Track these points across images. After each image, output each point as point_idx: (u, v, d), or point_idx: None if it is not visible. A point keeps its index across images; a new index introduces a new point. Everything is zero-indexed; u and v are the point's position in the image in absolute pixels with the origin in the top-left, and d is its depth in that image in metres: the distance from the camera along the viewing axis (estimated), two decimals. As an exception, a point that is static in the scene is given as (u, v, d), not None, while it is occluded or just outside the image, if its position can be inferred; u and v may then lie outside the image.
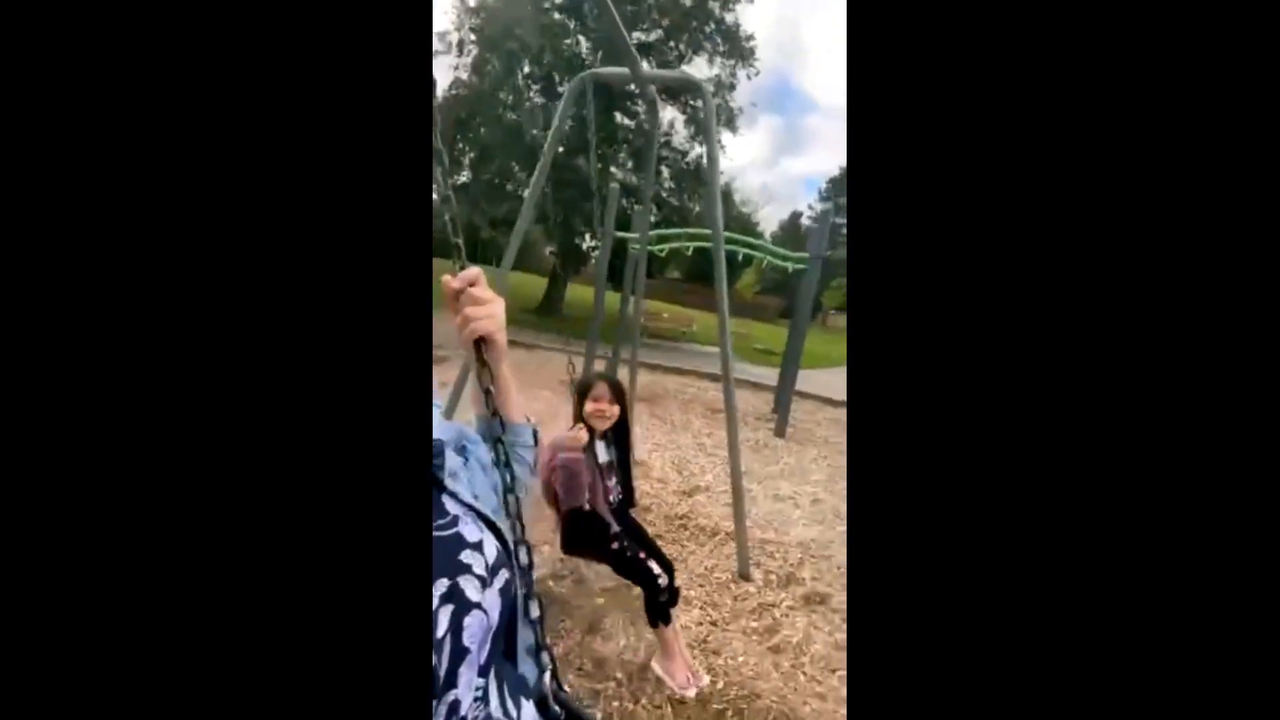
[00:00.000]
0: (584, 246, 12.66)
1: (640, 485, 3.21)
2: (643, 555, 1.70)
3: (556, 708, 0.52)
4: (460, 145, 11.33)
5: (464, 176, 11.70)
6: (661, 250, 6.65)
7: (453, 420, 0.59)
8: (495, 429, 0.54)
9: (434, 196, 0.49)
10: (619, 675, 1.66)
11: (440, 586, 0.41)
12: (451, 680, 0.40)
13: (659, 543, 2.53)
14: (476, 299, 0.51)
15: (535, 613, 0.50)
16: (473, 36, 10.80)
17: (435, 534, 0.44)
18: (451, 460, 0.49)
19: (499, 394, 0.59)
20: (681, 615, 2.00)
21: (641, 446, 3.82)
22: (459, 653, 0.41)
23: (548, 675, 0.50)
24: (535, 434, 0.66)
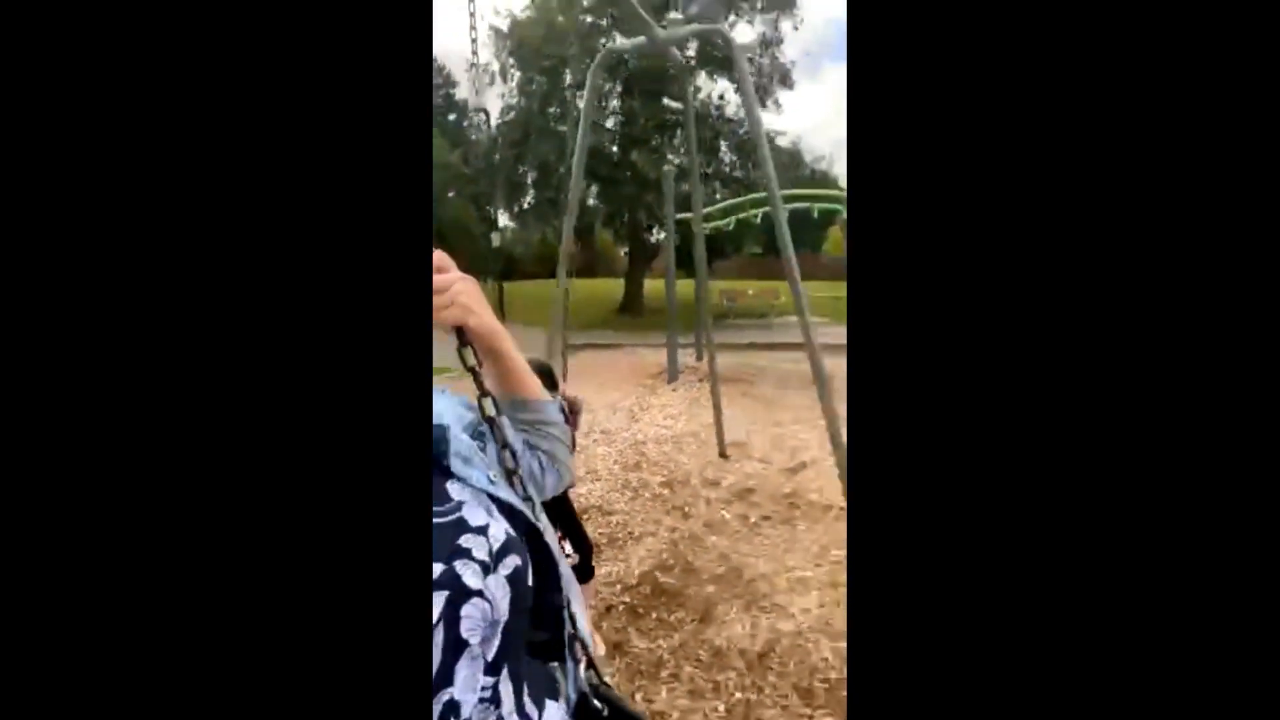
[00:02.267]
0: (651, 240, 12.66)
1: (741, 467, 3.09)
2: (560, 535, 1.67)
3: (598, 703, 0.49)
4: (520, 169, 11.83)
5: (529, 198, 12.21)
6: (729, 224, 6.41)
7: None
8: (488, 410, 0.51)
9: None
10: (738, 665, 1.58)
11: (433, 572, 0.38)
12: (447, 677, 0.36)
13: (767, 523, 2.42)
14: (434, 288, 0.48)
15: (561, 601, 0.46)
16: (512, 61, 11.21)
17: (434, 520, 0.40)
18: (460, 444, 0.46)
19: (509, 373, 0.57)
20: (798, 598, 1.88)
21: (737, 429, 3.68)
22: (455, 645, 0.37)
23: (582, 667, 0.47)
24: (564, 409, 0.61)
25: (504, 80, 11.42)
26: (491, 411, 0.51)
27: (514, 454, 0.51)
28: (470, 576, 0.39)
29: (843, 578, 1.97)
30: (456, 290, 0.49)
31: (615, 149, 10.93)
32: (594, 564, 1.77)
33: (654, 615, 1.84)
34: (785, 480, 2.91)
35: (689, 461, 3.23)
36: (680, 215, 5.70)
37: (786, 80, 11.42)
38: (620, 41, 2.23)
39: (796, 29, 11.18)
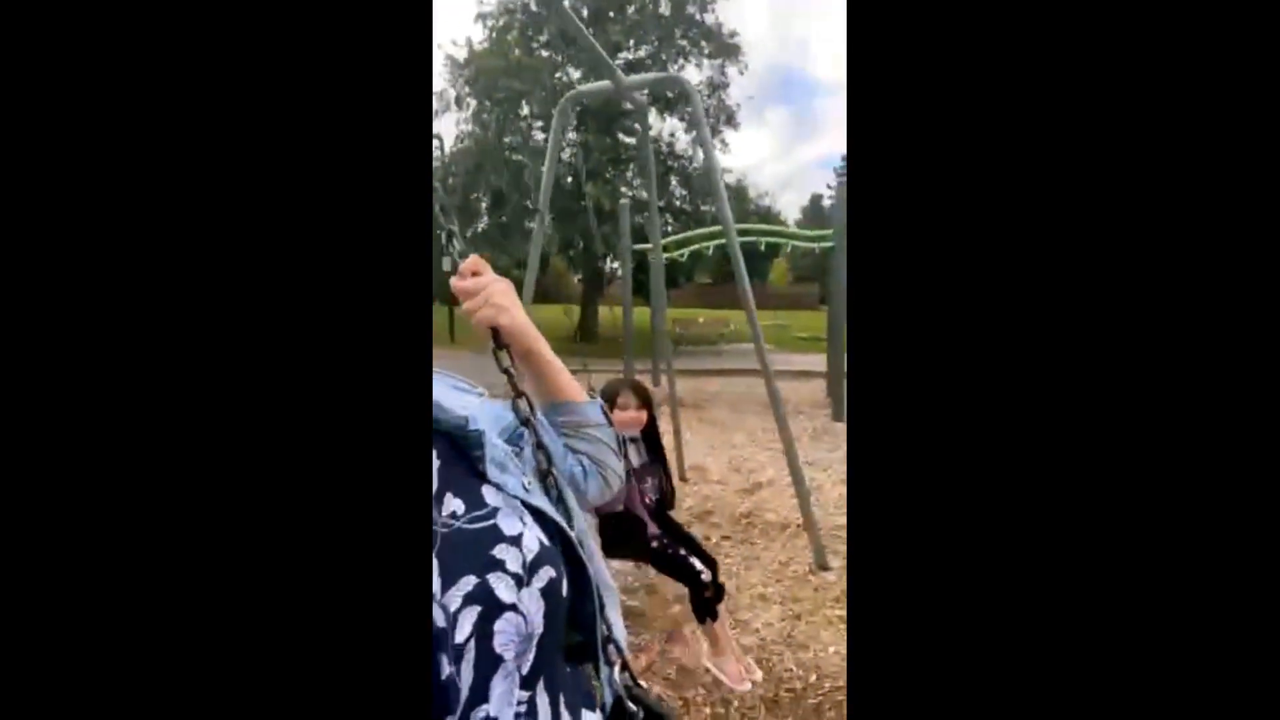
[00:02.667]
0: (606, 269, 12.82)
1: (699, 490, 3.16)
2: (684, 552, 1.66)
3: (632, 705, 0.49)
4: (474, 196, 11.80)
5: (482, 224, 12.14)
6: (682, 255, 6.64)
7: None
8: (523, 411, 0.50)
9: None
10: (706, 681, 1.61)
11: (465, 585, 0.36)
12: (482, 693, 0.35)
13: (728, 543, 2.48)
14: (467, 291, 0.50)
15: (595, 604, 0.45)
16: (468, 89, 11.30)
17: (467, 526, 0.40)
18: (496, 450, 0.45)
19: (544, 375, 0.56)
20: (761, 614, 1.93)
21: (695, 452, 3.76)
22: (490, 661, 0.36)
23: (617, 670, 0.46)
24: (604, 410, 0.60)
25: (459, 108, 11.46)
26: (526, 412, 0.50)
27: (548, 455, 0.50)
28: (504, 590, 0.38)
29: (801, 592, 2.05)
30: (490, 290, 0.50)
31: (570, 180, 11.13)
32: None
33: (621, 638, 1.84)
34: (742, 500, 3.00)
35: (649, 485, 3.26)
36: (637, 245, 5.86)
37: (732, 121, 12.06)
38: (584, 87, 2.35)
39: (741, 74, 11.91)
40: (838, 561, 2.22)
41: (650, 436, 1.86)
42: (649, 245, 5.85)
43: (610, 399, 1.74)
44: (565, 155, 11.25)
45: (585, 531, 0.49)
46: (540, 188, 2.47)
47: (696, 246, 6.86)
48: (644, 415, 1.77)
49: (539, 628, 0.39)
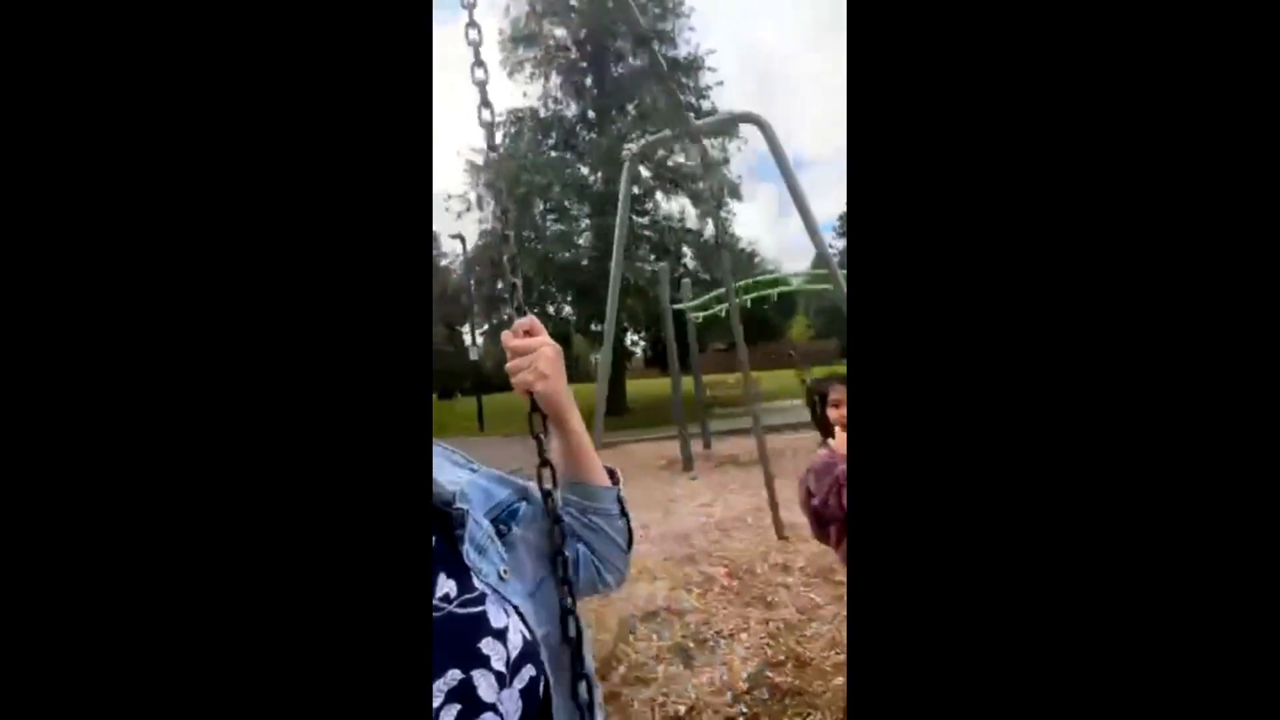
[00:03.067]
0: (627, 343, 13.00)
1: (808, 547, 2.88)
2: None
3: None
4: (499, 286, 12.27)
5: (509, 312, 12.54)
6: (699, 319, 6.65)
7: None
8: (545, 480, 0.49)
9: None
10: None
11: (448, 680, 0.36)
12: None
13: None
14: (515, 349, 0.49)
15: (584, 695, 0.43)
16: (487, 190, 12.11)
17: (458, 610, 0.39)
18: (476, 531, 0.43)
19: (569, 452, 0.52)
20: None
21: (786, 511, 3.51)
22: None
23: (598, 709, 0.43)
24: (620, 500, 0.54)
25: (479, 209, 12.22)
26: (549, 485, 0.48)
27: (562, 532, 0.48)
28: (485, 689, 0.37)
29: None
30: (538, 355, 0.49)
31: (585, 262, 11.59)
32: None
33: (788, 720, 1.56)
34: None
35: (745, 548, 3.00)
36: (677, 305, 5.92)
37: (735, 193, 12.72)
38: (648, 139, 2.42)
39: (740, 150, 12.71)
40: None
41: None
42: (687, 304, 5.91)
43: (823, 396, 1.53)
44: (582, 240, 11.85)
45: (579, 623, 0.46)
46: (614, 260, 2.50)
47: (712, 310, 6.90)
48: None
49: None
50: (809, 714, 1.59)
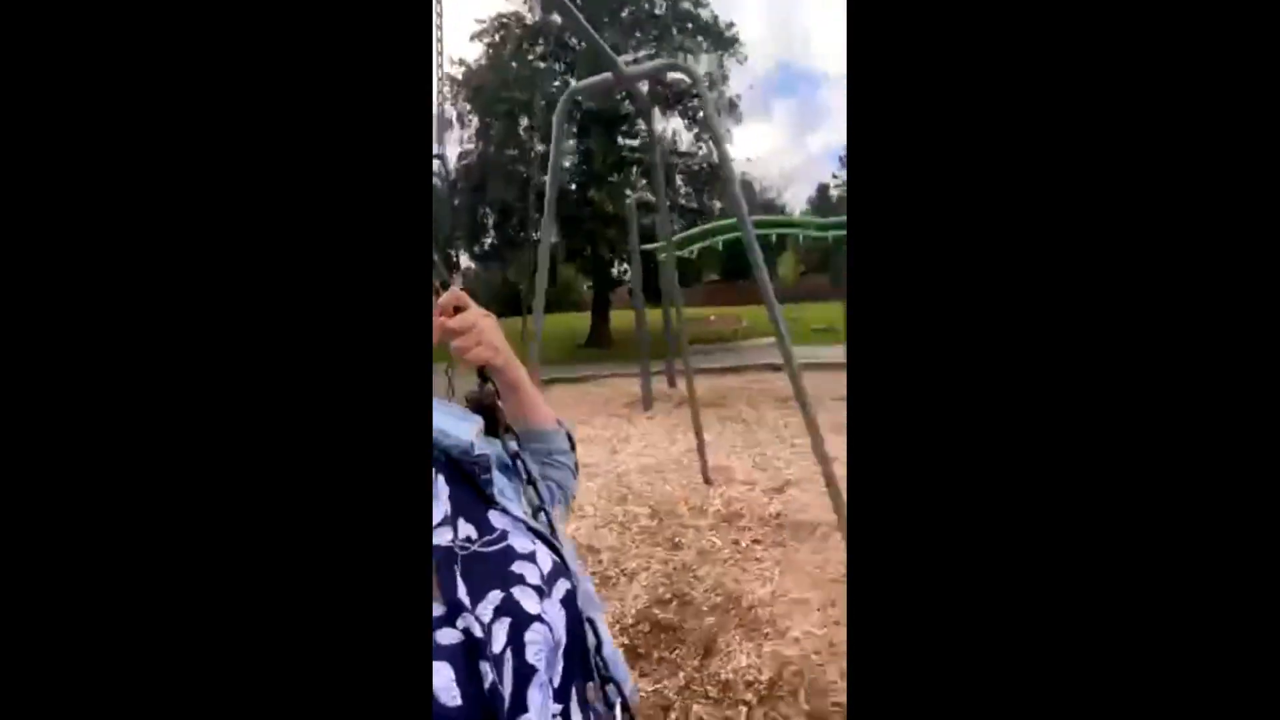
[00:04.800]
0: (614, 273, 12.84)
1: (725, 491, 3.07)
2: None
3: None
4: (481, 211, 11.88)
5: (490, 239, 12.24)
6: (691, 253, 6.56)
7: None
8: (509, 445, 0.51)
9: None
10: (748, 698, 1.53)
11: (493, 599, 0.37)
12: (520, 703, 0.35)
13: (759, 547, 2.39)
14: (455, 329, 0.50)
15: (591, 640, 0.44)
16: (469, 107, 11.39)
17: (483, 549, 0.41)
18: (498, 477, 0.47)
19: (525, 406, 0.57)
20: (800, 621, 1.84)
21: (718, 452, 3.68)
22: (525, 672, 0.36)
23: (619, 710, 0.45)
24: (570, 437, 0.62)
25: (460, 126, 11.56)
26: (515, 447, 0.51)
27: (537, 490, 0.50)
28: (529, 602, 0.38)
29: (842, 596, 1.95)
30: (481, 329, 0.50)
31: (574, 187, 11.15)
32: None
33: (655, 655, 1.77)
34: (770, 500, 2.91)
35: (673, 491, 3.18)
36: (645, 246, 5.81)
37: (734, 113, 11.98)
38: (583, 82, 2.27)
39: (741, 64, 11.82)
40: (877, 561, 2.12)
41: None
42: (658, 244, 5.80)
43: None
44: (567, 163, 11.32)
45: (573, 558, 0.49)
46: (546, 194, 2.42)
47: (707, 243, 6.79)
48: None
49: (563, 638, 0.40)
50: (676, 648, 1.80)
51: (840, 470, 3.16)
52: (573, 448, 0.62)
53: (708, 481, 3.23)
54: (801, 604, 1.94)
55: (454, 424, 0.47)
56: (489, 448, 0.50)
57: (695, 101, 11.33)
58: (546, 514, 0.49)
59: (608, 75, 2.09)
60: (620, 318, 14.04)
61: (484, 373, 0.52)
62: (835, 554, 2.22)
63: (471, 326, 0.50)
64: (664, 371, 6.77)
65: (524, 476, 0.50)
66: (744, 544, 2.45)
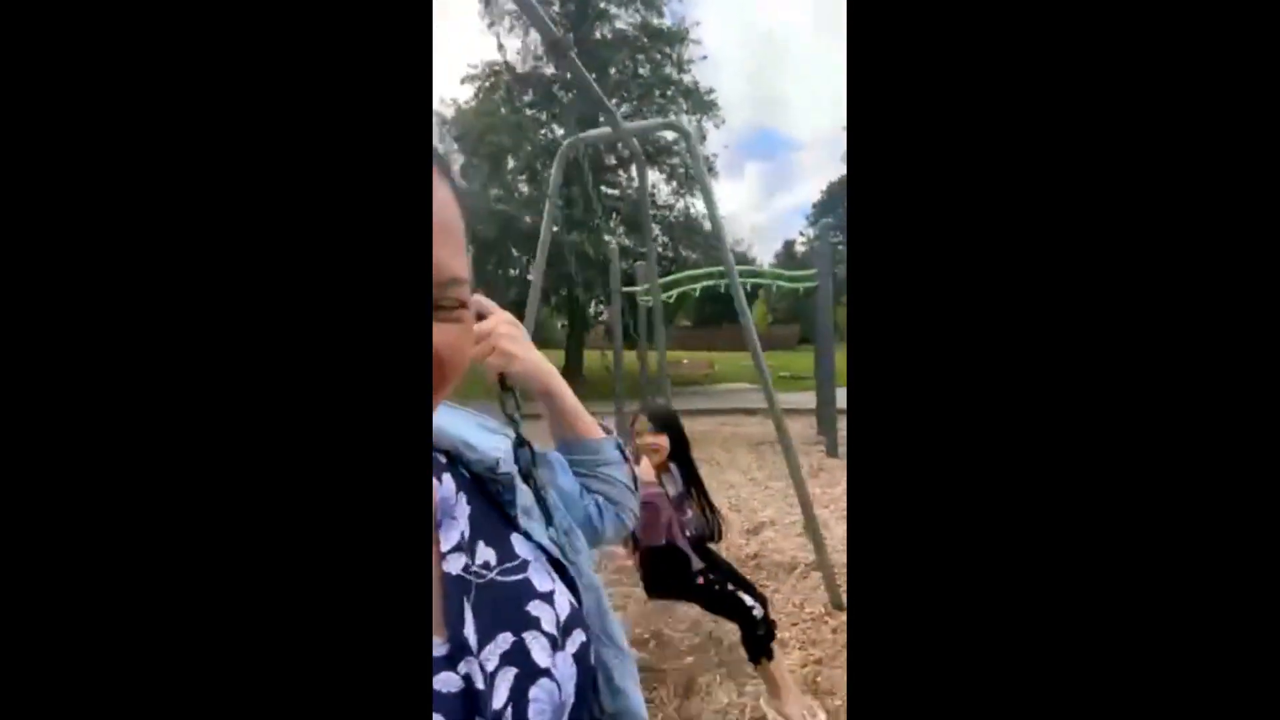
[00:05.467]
0: (590, 313, 12.98)
1: (702, 532, 3.07)
2: (732, 587, 1.59)
3: None
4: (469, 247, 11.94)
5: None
6: (670, 298, 6.75)
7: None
8: (524, 459, 0.46)
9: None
10: (736, 737, 1.50)
11: (502, 643, 0.34)
12: None
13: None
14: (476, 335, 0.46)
15: (605, 697, 0.40)
16: (455, 146, 11.66)
17: (499, 578, 0.37)
18: (523, 494, 0.43)
19: (563, 414, 0.54)
20: (780, 661, 1.84)
21: (693, 493, 3.68)
22: None
23: None
24: (621, 449, 0.57)
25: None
26: (529, 463, 0.46)
27: (547, 511, 0.45)
28: (539, 652, 0.35)
29: (820, 635, 1.97)
30: (498, 335, 0.47)
31: (556, 229, 11.39)
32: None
33: (635, 694, 1.72)
34: (747, 541, 2.92)
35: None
36: (627, 289, 5.95)
37: (711, 170, 12.64)
38: (585, 134, 2.42)
39: (717, 128, 12.58)
40: (852, 601, 2.15)
41: (683, 463, 1.80)
42: (640, 288, 5.94)
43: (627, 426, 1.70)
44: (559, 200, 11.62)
45: (596, 588, 0.44)
46: (540, 238, 2.51)
47: (685, 289, 7.00)
48: (664, 440, 1.72)
49: (571, 698, 0.36)
50: (655, 688, 1.76)
51: (823, 512, 3.21)
52: (626, 459, 0.57)
53: (684, 521, 3.23)
54: (781, 642, 1.94)
55: (482, 437, 0.44)
56: (514, 465, 0.46)
57: (676, 159, 11.94)
58: (557, 532, 0.44)
59: (607, 129, 2.24)
60: (591, 358, 14.11)
61: (504, 382, 0.48)
62: (814, 593, 2.24)
63: (489, 332, 0.47)
64: (636, 412, 6.76)
65: (534, 494, 0.45)
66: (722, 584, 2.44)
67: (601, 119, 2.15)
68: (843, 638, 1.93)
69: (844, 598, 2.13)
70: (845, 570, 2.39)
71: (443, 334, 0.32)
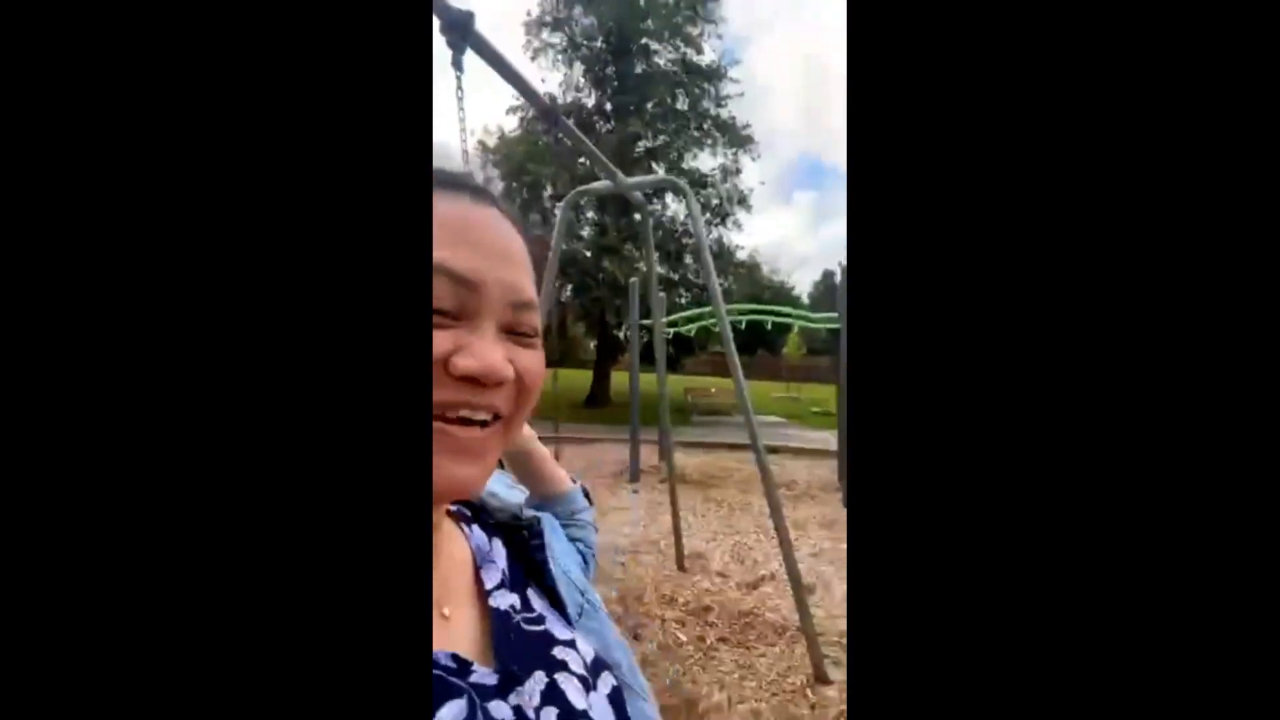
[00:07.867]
0: (621, 337, 13.11)
1: (699, 582, 3.00)
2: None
3: None
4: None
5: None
6: (690, 330, 6.75)
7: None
8: (512, 510, 0.45)
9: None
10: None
11: (539, 681, 0.33)
12: None
13: (724, 646, 2.32)
14: None
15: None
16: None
17: (523, 626, 0.36)
18: (556, 546, 0.44)
19: (540, 472, 0.56)
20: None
21: (696, 538, 3.62)
22: None
23: None
24: (587, 493, 0.60)
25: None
26: (535, 523, 0.46)
27: (545, 559, 0.44)
28: (574, 694, 0.33)
29: (798, 710, 1.88)
30: None
31: (588, 254, 11.66)
32: None
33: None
34: (744, 596, 2.84)
35: (644, 574, 3.12)
36: (644, 321, 6.01)
37: (744, 203, 12.69)
38: (586, 187, 2.55)
39: (754, 160, 12.66)
40: (839, 673, 2.05)
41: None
42: (650, 321, 5.98)
43: None
44: (585, 233, 11.92)
45: (624, 644, 0.43)
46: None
47: (706, 323, 7.00)
48: None
49: None
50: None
51: (827, 569, 3.09)
52: (591, 503, 0.59)
53: (682, 568, 3.17)
54: (755, 715, 1.87)
55: (502, 489, 0.45)
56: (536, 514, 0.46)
57: (710, 189, 12.05)
58: (584, 598, 0.43)
59: (608, 183, 2.34)
60: (620, 379, 14.20)
61: None
62: (801, 662, 2.15)
63: None
64: (657, 441, 6.74)
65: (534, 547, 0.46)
66: (709, 641, 2.38)
67: (600, 175, 2.23)
68: (819, 715, 1.84)
69: (828, 671, 2.04)
70: (840, 639, 2.29)
71: (526, 360, 0.33)
